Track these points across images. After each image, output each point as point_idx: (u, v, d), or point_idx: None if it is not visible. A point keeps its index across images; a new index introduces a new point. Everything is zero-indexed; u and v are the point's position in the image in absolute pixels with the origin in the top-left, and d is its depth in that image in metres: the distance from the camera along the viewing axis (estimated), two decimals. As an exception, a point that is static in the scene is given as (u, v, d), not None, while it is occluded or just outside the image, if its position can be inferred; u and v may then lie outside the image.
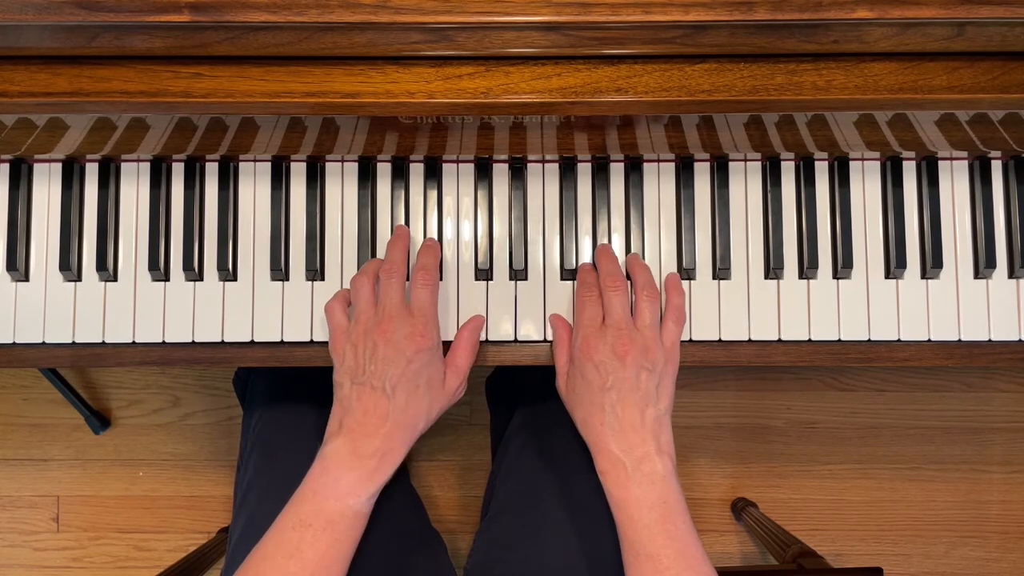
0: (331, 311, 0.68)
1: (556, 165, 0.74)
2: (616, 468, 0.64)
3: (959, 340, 0.72)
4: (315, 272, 0.72)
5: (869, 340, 0.72)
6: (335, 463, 0.63)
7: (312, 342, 0.72)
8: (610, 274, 0.68)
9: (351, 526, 0.63)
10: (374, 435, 0.63)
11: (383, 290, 0.66)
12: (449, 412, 0.69)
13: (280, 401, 0.85)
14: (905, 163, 0.73)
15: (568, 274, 0.73)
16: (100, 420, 1.43)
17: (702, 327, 0.72)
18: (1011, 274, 0.72)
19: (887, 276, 0.73)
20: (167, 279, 0.73)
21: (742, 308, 0.72)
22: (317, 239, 0.73)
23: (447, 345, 0.70)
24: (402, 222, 0.73)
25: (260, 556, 0.62)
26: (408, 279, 0.70)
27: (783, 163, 0.73)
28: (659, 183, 0.74)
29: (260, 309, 0.72)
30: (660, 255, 0.73)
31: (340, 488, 0.63)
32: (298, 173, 0.73)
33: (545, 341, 0.73)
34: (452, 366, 0.68)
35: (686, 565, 0.61)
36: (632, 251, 0.73)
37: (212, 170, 0.73)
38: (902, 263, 0.72)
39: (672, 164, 0.74)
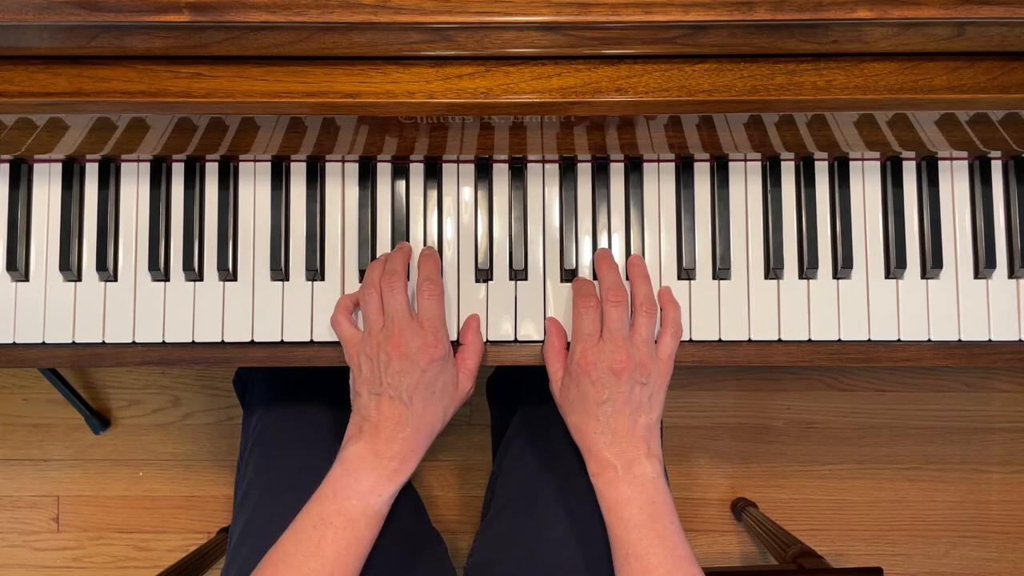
0: (338, 324, 0.70)
1: (556, 165, 0.74)
2: (607, 470, 0.65)
3: (959, 340, 0.72)
4: (315, 272, 0.72)
5: (869, 340, 0.72)
6: (356, 464, 0.64)
7: (312, 342, 0.72)
8: (612, 287, 0.68)
9: (370, 525, 0.64)
10: (394, 439, 0.65)
11: (388, 302, 0.67)
12: (451, 412, 0.70)
13: (280, 401, 0.85)
14: (905, 163, 0.73)
15: (568, 275, 0.73)
16: (100, 420, 1.43)
17: (702, 327, 0.72)
18: (1011, 274, 0.72)
19: (887, 276, 0.73)
20: (167, 279, 0.73)
21: (742, 308, 0.72)
22: (317, 239, 0.73)
23: (453, 345, 0.71)
24: (402, 222, 0.73)
25: (279, 555, 0.63)
26: (410, 284, 0.70)
27: (783, 163, 0.73)
28: (659, 183, 0.73)
29: (260, 309, 0.72)
30: (660, 255, 0.73)
31: (361, 487, 0.64)
32: (298, 173, 0.73)
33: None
34: (463, 368, 0.70)
35: (674, 564, 0.62)
36: (632, 251, 0.73)
37: (212, 170, 0.73)
38: (902, 263, 0.72)
39: (672, 164, 0.74)
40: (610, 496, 0.65)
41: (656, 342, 0.69)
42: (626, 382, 0.65)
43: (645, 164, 0.73)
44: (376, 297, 0.68)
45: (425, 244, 0.73)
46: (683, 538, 0.64)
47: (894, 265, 0.72)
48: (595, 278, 0.72)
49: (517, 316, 0.73)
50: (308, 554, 0.62)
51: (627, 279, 0.71)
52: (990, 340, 0.72)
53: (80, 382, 1.46)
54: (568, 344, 0.71)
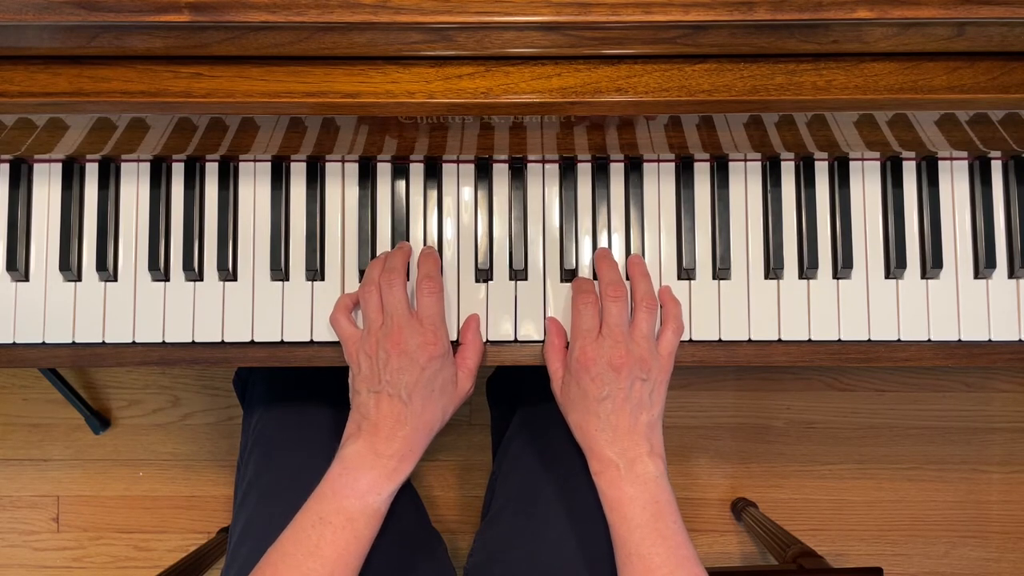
0: (336, 323, 0.70)
1: (556, 165, 0.74)
2: (609, 469, 0.65)
3: (959, 340, 0.72)
4: (315, 272, 0.72)
5: (869, 340, 0.72)
6: (355, 463, 0.64)
7: (312, 342, 0.72)
8: (611, 283, 0.68)
9: (369, 524, 0.64)
10: (393, 437, 0.65)
11: (387, 300, 0.67)
12: (451, 412, 0.70)
13: (280, 400, 0.85)
14: (905, 163, 0.73)
15: (568, 275, 0.73)
16: (100, 420, 1.43)
17: (702, 327, 0.72)
18: (1011, 274, 0.72)
19: (887, 276, 0.73)
20: (167, 279, 0.73)
21: (742, 308, 0.72)
22: (317, 239, 0.73)
23: (453, 345, 0.71)
24: (402, 222, 0.73)
25: (279, 554, 0.63)
26: (409, 283, 0.70)
27: (783, 163, 0.73)
28: (659, 183, 0.74)
29: (260, 309, 0.72)
30: (660, 255, 0.73)
31: (360, 487, 0.64)
32: (298, 173, 0.73)
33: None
34: (463, 367, 0.70)
35: (677, 564, 0.62)
36: (632, 251, 0.73)
37: (212, 170, 0.73)
38: (902, 263, 0.72)
39: (672, 164, 0.74)
40: (612, 495, 0.65)
41: (657, 338, 0.69)
42: (626, 378, 0.65)
43: (645, 164, 0.73)
44: (376, 294, 0.68)
45: (425, 244, 0.73)
46: (686, 538, 0.64)
47: (894, 265, 0.72)
48: (595, 278, 0.72)
49: (517, 316, 0.73)
50: (307, 553, 0.62)
51: (627, 278, 0.71)
52: (990, 340, 0.72)
53: (80, 382, 1.46)
54: (568, 343, 0.71)
